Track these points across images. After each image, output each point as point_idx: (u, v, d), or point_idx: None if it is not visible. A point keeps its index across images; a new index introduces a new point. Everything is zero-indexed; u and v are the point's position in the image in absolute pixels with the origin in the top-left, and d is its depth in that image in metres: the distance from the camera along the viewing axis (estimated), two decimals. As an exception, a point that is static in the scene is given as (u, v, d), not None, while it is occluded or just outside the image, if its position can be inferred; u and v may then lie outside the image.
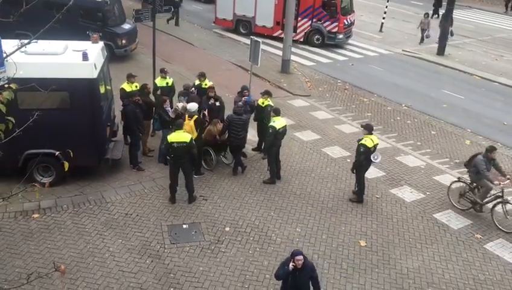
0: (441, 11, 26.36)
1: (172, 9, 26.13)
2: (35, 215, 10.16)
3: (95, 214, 10.35)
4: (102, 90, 11.22)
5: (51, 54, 10.57)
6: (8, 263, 8.79)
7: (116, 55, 19.25)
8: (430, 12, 29.97)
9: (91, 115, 10.72)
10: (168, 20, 26.49)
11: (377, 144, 11.23)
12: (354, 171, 11.34)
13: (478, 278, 9.31)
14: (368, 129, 11.15)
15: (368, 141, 10.93)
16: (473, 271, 9.48)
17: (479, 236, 10.55)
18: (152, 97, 13.38)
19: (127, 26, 20.38)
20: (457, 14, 29.98)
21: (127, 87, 13.06)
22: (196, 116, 11.73)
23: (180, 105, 12.41)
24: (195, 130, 11.53)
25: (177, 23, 26.56)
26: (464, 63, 23.85)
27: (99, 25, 18.85)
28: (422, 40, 26.50)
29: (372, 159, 10.98)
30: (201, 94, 13.48)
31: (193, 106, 11.77)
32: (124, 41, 19.75)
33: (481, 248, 10.19)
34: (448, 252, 9.98)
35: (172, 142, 10.43)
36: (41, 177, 10.98)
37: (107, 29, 19.15)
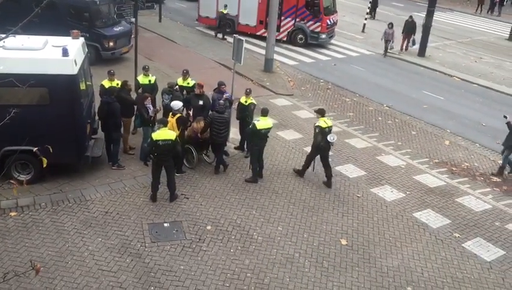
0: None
1: (220, 24, 24.95)
2: (13, 213, 9.96)
3: (74, 212, 10.21)
4: (82, 86, 11.06)
5: (30, 49, 10.37)
6: (-16, 261, 8.61)
7: (102, 57, 18.62)
8: (367, 14, 30.39)
9: (71, 111, 10.55)
10: (219, 34, 25.37)
11: (331, 126, 12.11)
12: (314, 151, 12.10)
13: (456, 276, 9.45)
14: (321, 113, 12.16)
15: (322, 123, 11.86)
16: (451, 269, 9.61)
17: (457, 235, 10.72)
18: (133, 94, 13.25)
19: (118, 28, 19.54)
20: (438, 16, 30.40)
21: (107, 83, 12.91)
22: (179, 115, 11.66)
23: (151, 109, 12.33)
24: (177, 128, 11.46)
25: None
26: (444, 65, 24.20)
27: (86, 26, 18.05)
28: (386, 51, 24.63)
29: (329, 139, 11.75)
30: (187, 93, 13.41)
31: (177, 104, 11.70)
32: (111, 44, 18.87)
33: (459, 246, 10.34)
34: (428, 250, 10.11)
35: (158, 140, 10.33)
36: (18, 175, 10.77)
37: (94, 30, 18.49)
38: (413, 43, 24.94)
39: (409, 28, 25.17)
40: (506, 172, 13.73)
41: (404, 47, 25.44)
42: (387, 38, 24.25)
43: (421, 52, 25.09)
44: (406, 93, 19.69)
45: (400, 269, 9.48)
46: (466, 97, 20.05)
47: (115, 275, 8.61)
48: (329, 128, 11.96)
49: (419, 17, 27.12)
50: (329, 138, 11.76)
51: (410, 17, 25.49)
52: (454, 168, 13.93)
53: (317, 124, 11.90)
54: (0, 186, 8.79)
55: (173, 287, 8.45)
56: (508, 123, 13.34)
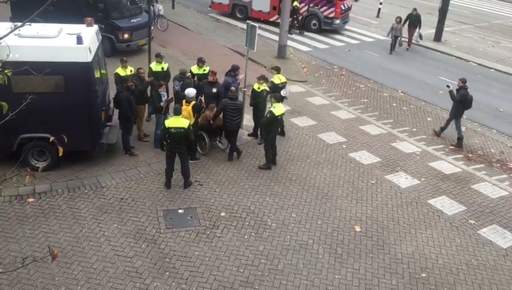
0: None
1: (293, 18, 23.29)
2: (31, 200, 10.14)
3: (90, 199, 10.34)
4: (97, 74, 11.13)
5: (44, 37, 10.45)
6: (3, 247, 8.78)
7: (117, 49, 18.25)
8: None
9: (86, 99, 10.64)
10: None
11: (285, 82, 13.88)
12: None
13: (471, 263, 9.40)
14: (276, 70, 13.97)
15: (276, 79, 13.61)
16: (466, 256, 9.56)
17: (472, 222, 10.63)
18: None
19: (135, 20, 18.99)
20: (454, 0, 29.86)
21: (121, 71, 12.96)
22: (194, 102, 11.66)
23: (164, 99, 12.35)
24: (193, 116, 11.49)
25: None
26: (460, 50, 23.81)
27: (101, 16, 17.63)
28: (393, 48, 22.37)
29: (282, 93, 12.85)
30: (201, 80, 13.44)
31: (191, 92, 11.70)
32: (126, 36, 18.46)
33: (475, 233, 10.27)
34: (442, 237, 10.06)
35: (170, 128, 10.38)
36: (36, 162, 10.92)
37: (108, 21, 18.18)
38: (420, 38, 23.04)
39: (413, 22, 22.95)
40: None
41: (408, 43, 23.25)
42: (396, 34, 22.09)
43: (437, 37, 24.67)
44: (421, 79, 19.44)
45: (414, 256, 9.46)
46: (483, 83, 19.72)
47: (131, 260, 8.73)
48: (283, 84, 13.61)
49: (436, 0, 26.63)
50: (283, 92, 13.03)
51: (415, 9, 23.40)
52: (470, 155, 13.77)
53: (271, 80, 13.51)
54: (18, 173, 8.92)
55: (188, 272, 8.55)
56: (450, 92, 13.99)
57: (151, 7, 22.55)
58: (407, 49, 23.07)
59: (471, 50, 23.94)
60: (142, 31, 18.74)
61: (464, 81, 14.04)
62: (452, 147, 14.09)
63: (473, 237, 10.15)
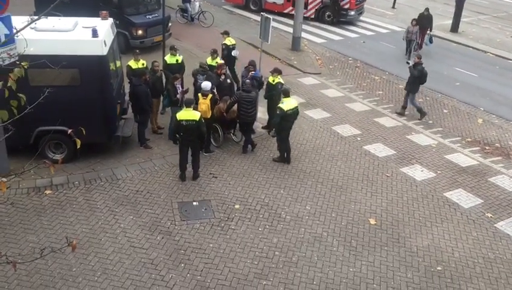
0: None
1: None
2: (48, 192, 10.27)
3: (106, 191, 10.45)
4: (112, 67, 11.20)
5: (60, 31, 10.53)
6: (22, 237, 8.94)
7: (131, 46, 17.76)
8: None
9: (101, 92, 10.72)
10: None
11: (235, 44, 15.39)
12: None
13: (488, 256, 9.30)
14: (226, 33, 15.40)
15: (227, 41, 15.16)
16: (483, 250, 9.47)
17: (489, 215, 10.51)
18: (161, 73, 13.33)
19: (150, 16, 18.66)
20: (472, -11, 29.36)
21: (133, 64, 13.01)
22: (211, 95, 11.64)
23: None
24: (211, 109, 11.49)
25: None
26: (477, 40, 23.44)
27: (115, 12, 16.85)
28: (409, 53, 20.27)
29: (233, 54, 14.72)
30: (212, 72, 13.44)
31: (207, 85, 11.66)
32: (139, 32, 18.11)
33: (492, 226, 10.15)
34: (459, 231, 9.97)
35: (181, 120, 10.41)
36: (53, 154, 11.05)
37: (122, 17, 17.85)
38: (430, 41, 20.80)
39: (424, 23, 20.94)
40: (407, 112, 15.30)
41: (419, 45, 21.09)
42: (411, 38, 20.28)
43: (454, 28, 24.32)
44: (438, 71, 19.15)
45: (429, 249, 9.39)
46: (500, 74, 19.42)
47: (146, 252, 8.82)
48: (233, 45, 15.29)
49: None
50: (233, 53, 14.81)
51: (427, 9, 21.45)
52: (487, 147, 13.60)
53: (223, 42, 15.11)
54: (36, 166, 9.04)
55: (203, 264, 8.61)
56: (410, 68, 14.87)
57: (188, 5, 22.63)
58: (419, 50, 20.92)
59: (488, 41, 23.56)
60: (157, 28, 18.06)
61: (419, 57, 15.04)
62: (469, 140, 13.92)
63: (489, 230, 10.04)
